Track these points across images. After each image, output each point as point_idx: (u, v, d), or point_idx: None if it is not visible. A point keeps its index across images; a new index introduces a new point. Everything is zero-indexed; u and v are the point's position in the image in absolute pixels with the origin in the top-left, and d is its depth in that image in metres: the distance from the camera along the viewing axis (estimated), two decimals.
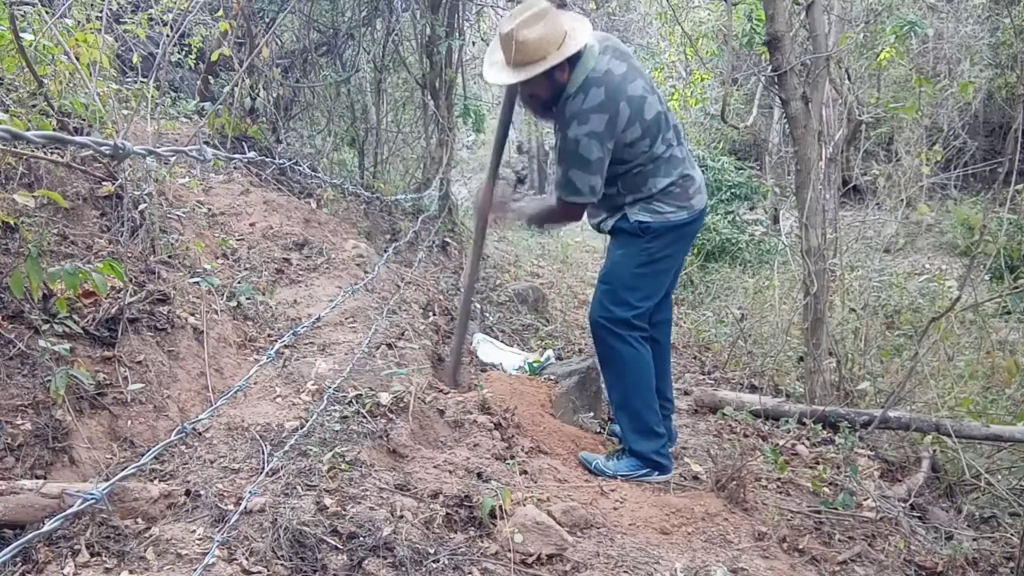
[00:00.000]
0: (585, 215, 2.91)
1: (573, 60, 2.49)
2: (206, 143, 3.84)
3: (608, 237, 2.85)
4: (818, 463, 3.06)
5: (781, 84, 3.71)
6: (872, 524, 2.53)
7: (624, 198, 2.65)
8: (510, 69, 2.51)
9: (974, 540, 2.65)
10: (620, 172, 2.59)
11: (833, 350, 3.93)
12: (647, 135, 2.54)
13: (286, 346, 2.79)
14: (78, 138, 0.92)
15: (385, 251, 4.47)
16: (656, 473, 2.70)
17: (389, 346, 3.07)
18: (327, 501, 1.86)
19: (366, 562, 1.69)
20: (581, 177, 2.52)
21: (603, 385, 3.16)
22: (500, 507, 1.98)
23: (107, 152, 0.96)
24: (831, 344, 3.90)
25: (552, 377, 3.23)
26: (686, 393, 3.89)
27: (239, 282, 3.26)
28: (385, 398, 2.47)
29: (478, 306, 4.68)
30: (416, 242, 5.47)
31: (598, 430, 3.09)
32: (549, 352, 3.66)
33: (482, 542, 1.91)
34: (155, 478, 1.97)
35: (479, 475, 2.22)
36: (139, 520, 1.75)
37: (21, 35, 2.57)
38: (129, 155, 1.00)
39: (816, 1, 3.76)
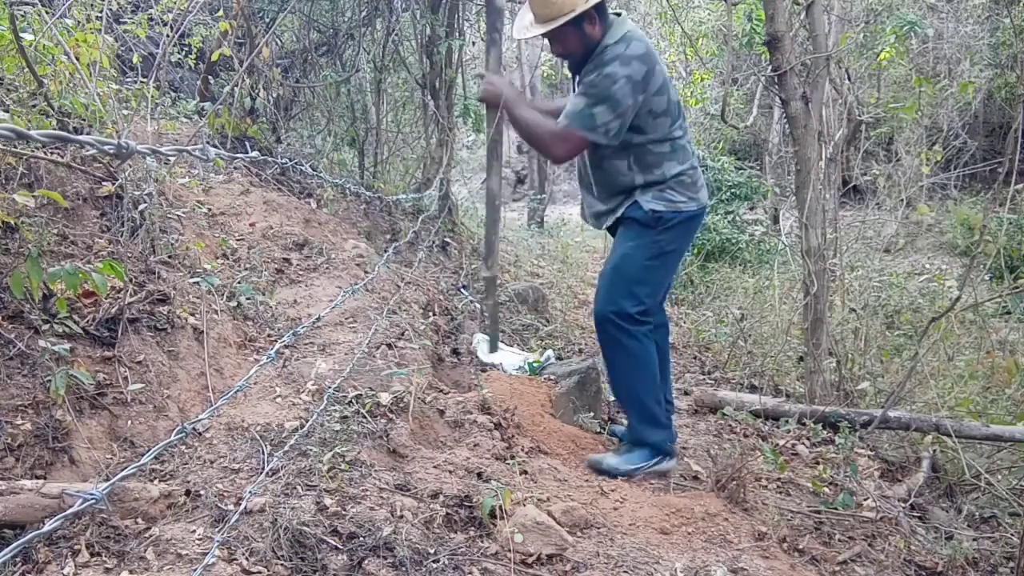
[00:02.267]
0: (583, 209, 2.91)
1: (604, 17, 2.54)
2: (207, 143, 3.84)
3: (608, 233, 2.84)
4: (818, 463, 3.06)
5: (781, 84, 3.71)
6: (872, 524, 2.53)
7: (635, 178, 2.62)
8: (536, 23, 2.56)
9: (974, 540, 2.65)
10: (635, 143, 2.57)
11: (833, 350, 3.93)
12: (669, 113, 2.57)
13: (286, 346, 2.79)
14: (82, 137, 0.92)
15: (385, 251, 4.47)
16: (667, 459, 2.73)
17: (389, 346, 3.07)
18: (327, 501, 1.86)
19: (366, 562, 1.69)
20: (604, 114, 2.47)
21: (605, 384, 3.15)
22: (500, 507, 1.98)
23: (111, 151, 0.97)
24: (831, 344, 3.90)
25: (552, 377, 3.22)
26: (686, 393, 3.89)
27: (239, 282, 3.26)
28: (385, 398, 2.47)
29: (478, 306, 4.68)
30: (416, 242, 5.47)
31: (598, 430, 3.09)
32: (549, 352, 3.65)
33: (482, 542, 1.91)
34: (155, 478, 1.97)
35: (479, 475, 2.22)
36: (139, 520, 1.75)
37: (21, 35, 2.57)
38: (132, 154, 1.00)
39: (816, 1, 3.76)
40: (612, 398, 3.17)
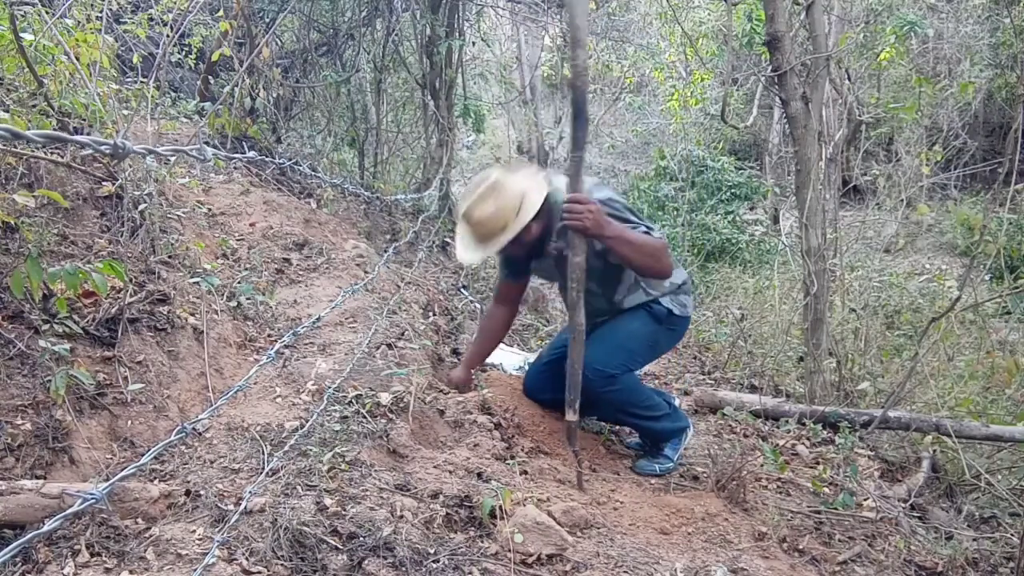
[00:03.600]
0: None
1: (544, 209, 2.55)
2: (206, 143, 3.83)
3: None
4: (818, 463, 3.06)
5: (781, 84, 3.71)
6: (872, 524, 2.52)
7: (649, 290, 2.72)
8: (478, 245, 2.61)
9: (974, 540, 2.65)
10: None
11: (833, 350, 3.93)
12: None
13: (286, 346, 2.79)
14: (78, 137, 0.92)
15: (385, 251, 4.48)
16: (689, 431, 2.96)
17: (389, 346, 3.07)
18: (327, 501, 1.86)
19: (366, 562, 1.69)
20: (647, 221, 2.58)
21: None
22: (500, 507, 1.98)
23: (107, 151, 0.96)
24: (831, 344, 3.90)
25: None
26: (686, 393, 3.89)
27: (239, 282, 3.26)
28: (385, 398, 2.47)
29: (478, 306, 4.68)
30: (416, 242, 5.47)
31: (598, 430, 3.09)
32: None
33: (482, 542, 1.91)
34: (155, 478, 1.97)
35: (479, 475, 2.22)
36: (139, 520, 1.74)
37: (21, 35, 2.57)
38: (129, 154, 0.99)
39: (816, 1, 3.76)
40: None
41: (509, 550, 1.87)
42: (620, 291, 2.71)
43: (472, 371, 3.11)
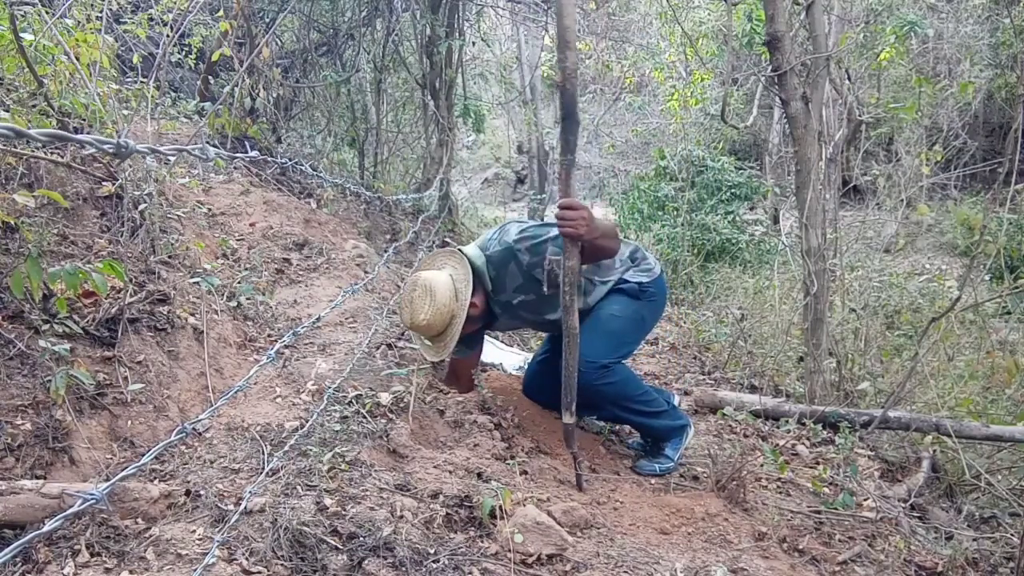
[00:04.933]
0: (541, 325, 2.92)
1: (478, 279, 2.65)
2: (207, 143, 3.83)
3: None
4: (818, 463, 3.06)
5: (781, 84, 3.71)
6: (872, 524, 2.52)
7: (606, 279, 2.75)
8: (438, 345, 2.69)
9: (974, 540, 2.65)
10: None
11: (833, 350, 3.93)
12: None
13: (286, 346, 2.79)
14: (81, 136, 0.92)
15: (385, 251, 4.48)
16: (689, 428, 2.92)
17: (389, 346, 3.07)
18: (327, 501, 1.86)
19: (366, 562, 1.69)
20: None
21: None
22: (500, 507, 1.98)
23: (110, 150, 0.96)
24: (831, 344, 3.90)
25: None
26: (686, 393, 3.89)
27: (239, 282, 3.26)
28: (385, 398, 2.47)
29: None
30: (416, 242, 5.47)
31: (598, 430, 3.09)
32: None
33: (482, 542, 1.91)
34: (155, 478, 1.97)
35: (479, 475, 2.22)
36: (139, 520, 1.74)
37: (21, 35, 2.57)
38: (132, 153, 0.99)
39: (816, 1, 3.76)
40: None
41: (509, 550, 1.87)
42: (580, 299, 2.71)
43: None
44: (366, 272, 3.90)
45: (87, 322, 2.33)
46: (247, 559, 1.63)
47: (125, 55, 4.65)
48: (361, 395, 2.46)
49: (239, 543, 1.67)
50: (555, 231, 2.54)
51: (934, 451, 3.33)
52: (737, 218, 8.66)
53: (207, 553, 1.58)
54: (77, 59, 2.90)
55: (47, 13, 3.02)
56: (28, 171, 2.65)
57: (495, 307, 2.78)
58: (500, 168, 17.99)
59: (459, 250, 2.76)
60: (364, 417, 2.34)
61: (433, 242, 5.74)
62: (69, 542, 1.65)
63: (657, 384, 4.12)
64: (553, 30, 9.30)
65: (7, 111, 2.63)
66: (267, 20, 5.53)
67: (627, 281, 2.75)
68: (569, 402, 2.38)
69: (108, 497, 1.60)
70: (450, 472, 2.19)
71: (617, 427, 3.14)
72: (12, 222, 2.30)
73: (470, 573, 1.75)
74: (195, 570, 1.51)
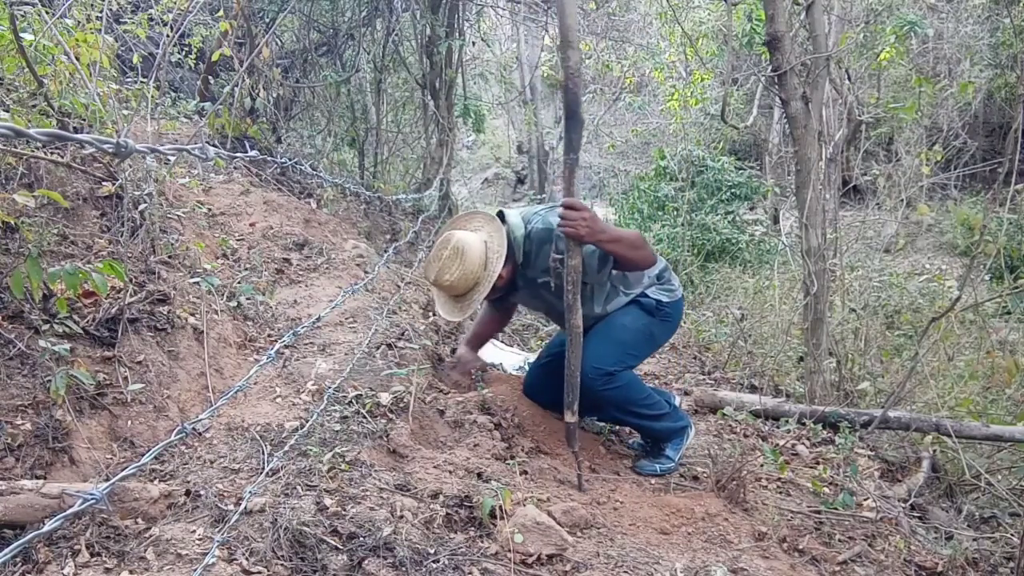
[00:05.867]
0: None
1: (510, 253, 2.62)
2: (207, 143, 3.82)
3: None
4: (818, 463, 3.06)
5: (781, 84, 3.71)
6: (872, 524, 2.52)
7: (628, 291, 2.74)
8: (456, 305, 2.68)
9: (974, 540, 2.65)
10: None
11: (833, 350, 3.93)
12: None
13: (286, 346, 2.79)
14: (81, 136, 0.92)
15: (385, 251, 4.47)
16: (689, 429, 2.92)
17: (389, 346, 3.07)
18: (327, 501, 1.86)
19: (366, 562, 1.69)
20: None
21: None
22: (500, 507, 1.98)
23: (110, 150, 0.96)
24: (831, 344, 3.90)
25: None
26: (686, 393, 3.89)
27: (239, 282, 3.26)
28: (385, 398, 2.47)
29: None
30: (416, 242, 5.47)
31: (598, 431, 3.09)
32: None
33: (482, 542, 1.91)
34: (155, 478, 1.97)
35: (479, 475, 2.22)
36: (139, 520, 1.74)
37: (21, 35, 2.57)
38: (132, 153, 0.99)
39: (816, 1, 3.76)
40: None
41: (509, 550, 1.87)
42: (599, 303, 2.72)
43: (476, 350, 3.16)
44: (366, 272, 3.90)
45: (87, 322, 2.33)
46: (247, 559, 1.63)
47: (125, 55, 4.65)
48: (361, 395, 2.46)
49: (239, 543, 1.67)
50: None
51: (934, 451, 3.33)
52: (737, 218, 8.66)
53: (207, 553, 1.58)
54: (77, 59, 2.90)
55: (47, 13, 3.02)
56: (28, 171, 2.65)
57: (519, 279, 2.74)
58: (500, 168, 18.01)
59: (501, 214, 2.71)
60: (364, 417, 2.34)
61: (433, 242, 5.73)
62: (69, 542, 1.65)
63: (657, 384, 4.13)
64: (553, 30, 9.31)
65: (7, 111, 2.63)
66: (267, 20, 5.53)
67: (647, 296, 2.75)
68: (571, 401, 2.38)
69: (108, 497, 1.60)
70: (450, 472, 2.19)
71: (617, 427, 3.14)
72: (12, 222, 2.30)
73: (470, 573, 1.75)
74: (195, 570, 1.51)
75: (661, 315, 2.75)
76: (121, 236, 2.77)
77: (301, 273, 3.73)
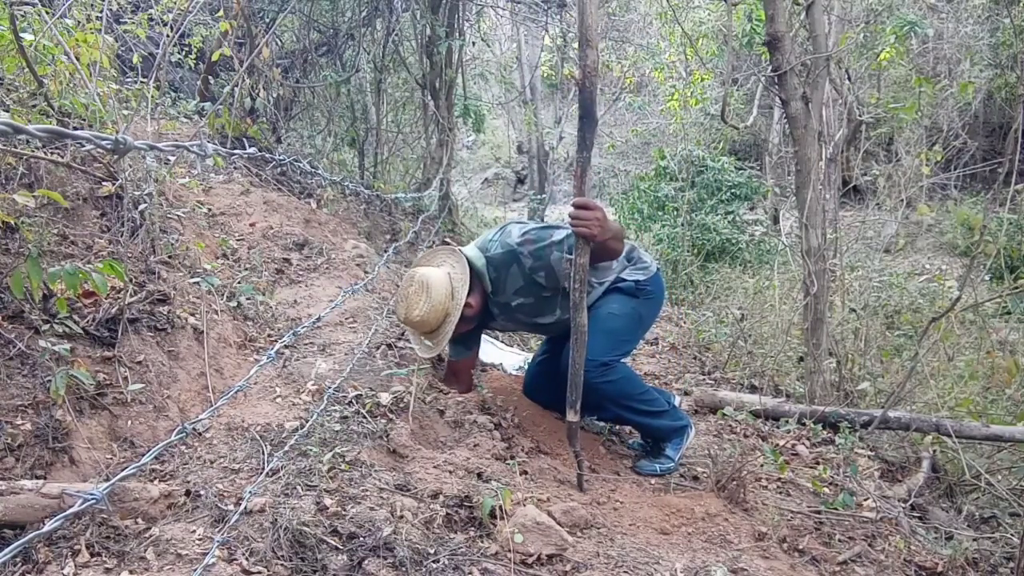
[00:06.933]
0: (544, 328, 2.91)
1: (476, 277, 2.67)
2: (206, 142, 3.82)
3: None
4: (818, 463, 3.06)
5: (781, 84, 3.71)
6: (872, 524, 2.52)
7: (602, 280, 2.75)
8: (430, 340, 2.72)
9: (974, 540, 2.65)
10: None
11: (833, 350, 3.93)
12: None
13: (286, 346, 2.79)
14: (79, 132, 0.92)
15: (385, 251, 4.47)
16: (689, 429, 2.91)
17: (389, 346, 3.07)
18: (327, 501, 1.86)
19: (366, 562, 1.69)
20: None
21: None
22: (500, 507, 1.98)
23: (108, 147, 0.96)
24: (831, 344, 3.90)
25: None
26: (686, 393, 3.89)
27: (239, 282, 3.26)
28: (385, 398, 2.47)
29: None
30: (416, 242, 5.47)
31: (598, 431, 3.09)
32: None
33: (482, 542, 1.91)
34: (155, 478, 1.97)
35: (479, 475, 2.22)
36: (139, 520, 1.74)
37: (21, 35, 2.57)
38: (130, 150, 0.99)
39: (816, 1, 3.76)
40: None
41: (509, 550, 1.87)
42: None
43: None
44: (366, 272, 3.90)
45: (87, 322, 2.33)
46: (247, 559, 1.63)
47: (125, 55, 4.65)
48: (361, 395, 2.46)
49: (239, 543, 1.67)
50: (558, 234, 2.55)
51: (934, 451, 3.33)
52: (737, 218, 8.66)
53: (207, 553, 1.58)
54: (77, 59, 2.90)
55: (47, 13, 3.02)
56: (28, 171, 2.65)
57: (493, 308, 2.78)
58: (500, 168, 18.01)
59: (458, 249, 2.77)
60: (364, 417, 2.34)
61: (433, 242, 5.73)
62: (69, 542, 1.65)
63: (657, 384, 4.13)
64: (553, 30, 9.31)
65: (7, 111, 2.62)
66: (267, 20, 5.53)
67: (624, 280, 2.76)
68: (574, 400, 2.38)
69: (108, 497, 1.60)
70: (450, 472, 2.19)
71: (617, 427, 3.14)
72: (12, 222, 2.30)
73: (470, 573, 1.75)
74: (195, 570, 1.51)
75: (644, 294, 2.76)
76: (121, 236, 2.77)
77: (301, 273, 3.73)
